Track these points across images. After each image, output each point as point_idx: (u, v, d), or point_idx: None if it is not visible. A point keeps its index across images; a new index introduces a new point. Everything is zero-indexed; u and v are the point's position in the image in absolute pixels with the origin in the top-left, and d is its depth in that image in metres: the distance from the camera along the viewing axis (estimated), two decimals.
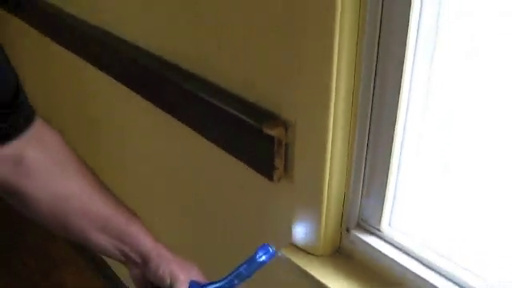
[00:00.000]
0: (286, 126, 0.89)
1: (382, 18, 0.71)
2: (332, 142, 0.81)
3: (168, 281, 0.79)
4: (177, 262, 0.81)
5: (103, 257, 2.00)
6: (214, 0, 0.95)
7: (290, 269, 0.94)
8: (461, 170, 0.75)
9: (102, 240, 0.80)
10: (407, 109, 0.75)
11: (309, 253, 0.93)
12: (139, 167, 1.52)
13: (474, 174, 0.73)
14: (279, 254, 0.88)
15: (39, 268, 2.18)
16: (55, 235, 2.28)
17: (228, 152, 1.01)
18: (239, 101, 0.96)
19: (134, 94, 1.26)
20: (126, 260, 0.82)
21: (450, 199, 0.78)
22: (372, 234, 0.87)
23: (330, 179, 0.84)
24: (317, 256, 0.92)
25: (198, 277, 0.81)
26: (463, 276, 0.76)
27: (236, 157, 0.99)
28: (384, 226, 0.85)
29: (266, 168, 0.93)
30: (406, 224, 0.84)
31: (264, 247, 0.80)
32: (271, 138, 0.89)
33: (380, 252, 0.84)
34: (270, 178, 0.93)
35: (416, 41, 0.70)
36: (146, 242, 0.81)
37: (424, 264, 0.81)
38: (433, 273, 0.79)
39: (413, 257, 0.82)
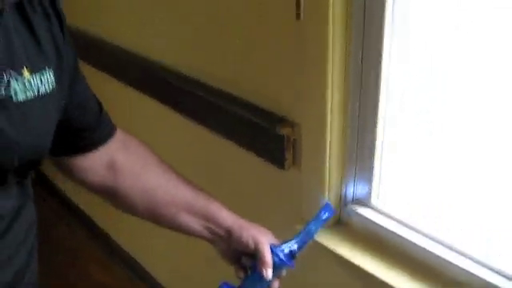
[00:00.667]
0: (293, 126, 1.13)
1: (363, 49, 0.96)
2: (330, 136, 1.06)
3: (252, 245, 0.88)
4: (255, 228, 0.91)
5: (123, 247, 2.17)
6: (237, 32, 1.20)
7: None
8: (442, 141, 0.97)
9: (190, 222, 0.91)
10: (385, 116, 1.00)
11: None
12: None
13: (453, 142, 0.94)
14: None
15: (65, 259, 2.24)
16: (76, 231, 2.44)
17: (247, 149, 1.26)
18: (256, 108, 1.21)
19: (167, 108, 1.49)
20: (213, 236, 0.92)
21: (430, 174, 1.01)
22: (364, 206, 1.12)
23: (329, 166, 1.09)
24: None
25: (273, 239, 0.91)
26: (443, 236, 0.99)
27: (253, 152, 1.24)
28: (373, 200, 1.10)
29: (278, 159, 1.18)
30: (391, 196, 1.09)
31: (326, 206, 0.94)
32: (282, 136, 1.14)
33: (370, 220, 1.09)
34: (282, 167, 1.18)
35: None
36: (226, 217, 0.91)
37: (408, 227, 1.04)
38: (418, 234, 1.02)
39: (398, 221, 1.06)
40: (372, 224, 1.09)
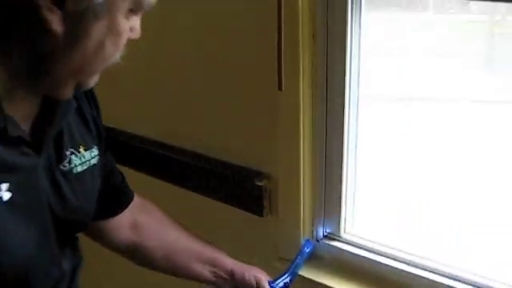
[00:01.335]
0: (269, 178, 1.35)
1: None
2: (303, 185, 1.28)
3: (254, 283, 1.09)
4: (254, 269, 1.12)
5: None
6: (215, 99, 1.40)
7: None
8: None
9: (201, 268, 1.09)
10: (347, 166, 1.25)
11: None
12: None
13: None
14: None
15: None
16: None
17: (227, 203, 1.44)
18: (238, 166, 1.41)
19: (143, 174, 1.61)
20: (217, 279, 1.10)
21: (390, 210, 1.26)
22: (334, 239, 1.34)
23: (303, 210, 1.31)
24: None
25: (267, 277, 1.13)
26: (406, 255, 1.22)
27: (235, 204, 1.43)
28: (341, 233, 1.33)
29: (257, 208, 1.38)
30: (358, 229, 1.32)
31: (307, 242, 1.23)
32: (260, 187, 1.35)
33: (340, 249, 1.31)
34: (261, 214, 1.38)
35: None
36: (228, 262, 1.11)
37: (375, 251, 1.26)
38: (382, 257, 1.24)
39: (365, 249, 1.29)
40: (342, 253, 1.31)
